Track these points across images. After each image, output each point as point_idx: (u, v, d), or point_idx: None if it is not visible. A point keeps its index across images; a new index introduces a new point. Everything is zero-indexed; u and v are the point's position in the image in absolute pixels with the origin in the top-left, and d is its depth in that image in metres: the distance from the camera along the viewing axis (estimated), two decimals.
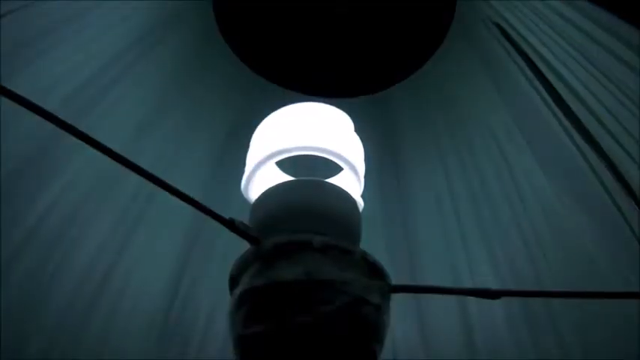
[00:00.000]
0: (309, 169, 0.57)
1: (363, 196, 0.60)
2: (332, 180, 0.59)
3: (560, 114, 0.83)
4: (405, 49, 0.89)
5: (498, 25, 0.85)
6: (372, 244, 0.54)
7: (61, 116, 0.46)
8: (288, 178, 0.59)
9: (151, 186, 0.48)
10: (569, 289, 0.84)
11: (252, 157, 0.58)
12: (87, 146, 0.47)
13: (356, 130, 0.62)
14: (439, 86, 0.91)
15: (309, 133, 0.57)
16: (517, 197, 0.88)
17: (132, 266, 0.88)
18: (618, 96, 0.79)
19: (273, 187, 0.55)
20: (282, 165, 0.60)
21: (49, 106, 0.46)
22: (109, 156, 0.47)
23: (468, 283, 0.90)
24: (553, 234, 0.87)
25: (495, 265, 0.89)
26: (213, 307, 0.89)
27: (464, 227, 0.91)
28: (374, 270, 0.50)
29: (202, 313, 0.91)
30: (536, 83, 0.83)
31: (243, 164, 0.59)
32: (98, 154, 0.47)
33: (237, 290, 0.49)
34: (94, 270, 0.86)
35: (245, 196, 0.58)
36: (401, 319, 0.88)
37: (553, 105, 0.83)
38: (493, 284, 0.88)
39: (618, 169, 0.81)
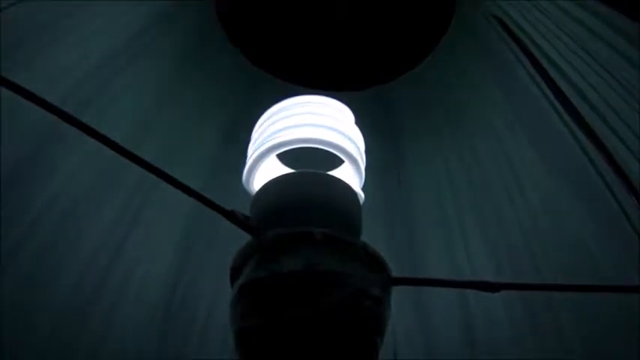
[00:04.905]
0: (310, 162, 0.57)
1: (363, 188, 0.60)
2: (333, 172, 0.59)
3: (560, 108, 0.83)
4: (405, 44, 0.89)
5: (499, 19, 0.85)
6: (373, 236, 0.54)
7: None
8: (289, 170, 0.59)
9: (152, 178, 0.48)
10: (568, 283, 0.84)
11: (253, 150, 0.58)
12: (88, 140, 0.47)
13: (357, 123, 0.62)
14: (440, 80, 0.91)
15: (310, 125, 0.57)
16: (517, 191, 0.88)
17: (134, 258, 0.88)
18: (619, 90, 0.79)
19: (274, 179, 0.55)
20: (283, 157, 0.60)
21: (49, 100, 0.46)
22: (112, 148, 0.47)
23: (467, 277, 0.90)
24: (553, 228, 0.87)
25: (495, 258, 0.89)
26: (214, 300, 0.90)
27: (464, 221, 0.91)
28: (375, 262, 0.50)
29: (203, 305, 0.91)
30: (537, 77, 0.83)
31: (245, 157, 0.59)
32: (99, 147, 0.47)
33: (238, 282, 0.49)
34: (97, 260, 0.87)
35: (246, 188, 0.58)
36: (401, 312, 0.88)
37: (554, 99, 0.83)
38: (493, 278, 0.88)
39: (618, 164, 0.81)
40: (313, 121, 0.58)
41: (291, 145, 0.56)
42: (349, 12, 0.86)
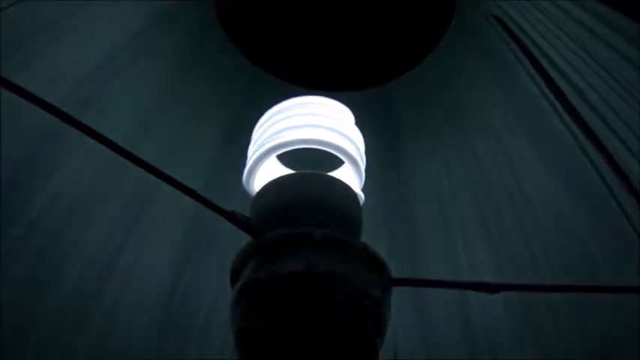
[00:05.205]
0: (310, 163, 0.57)
1: (363, 189, 0.60)
2: (333, 173, 0.59)
3: (560, 108, 0.83)
4: (405, 44, 0.89)
5: (499, 19, 0.85)
6: (373, 237, 0.54)
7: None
8: (289, 171, 0.59)
9: (153, 178, 0.48)
10: (568, 284, 0.84)
11: (253, 151, 0.58)
12: (88, 139, 0.47)
13: (357, 124, 0.62)
14: (440, 80, 0.91)
15: (310, 126, 0.57)
16: (517, 191, 0.88)
17: (134, 258, 0.88)
18: (619, 90, 0.79)
19: (274, 180, 0.55)
20: (284, 158, 0.60)
21: (49, 100, 0.46)
22: (112, 149, 0.47)
23: (468, 278, 0.90)
24: (553, 228, 0.87)
25: (495, 258, 0.89)
26: (215, 299, 0.90)
27: (464, 221, 0.91)
28: (375, 263, 0.50)
29: (203, 305, 0.91)
30: (537, 77, 0.83)
31: (245, 157, 0.59)
32: (100, 147, 0.47)
33: (238, 283, 0.49)
34: (98, 260, 0.87)
35: (246, 189, 0.58)
36: (401, 312, 0.88)
37: (554, 99, 0.83)
38: (493, 278, 0.88)
39: (618, 164, 0.81)
40: (313, 121, 0.58)
41: (292, 146, 0.56)
42: (349, 12, 0.86)
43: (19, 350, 0.83)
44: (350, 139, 0.58)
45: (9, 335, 0.82)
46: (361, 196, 0.59)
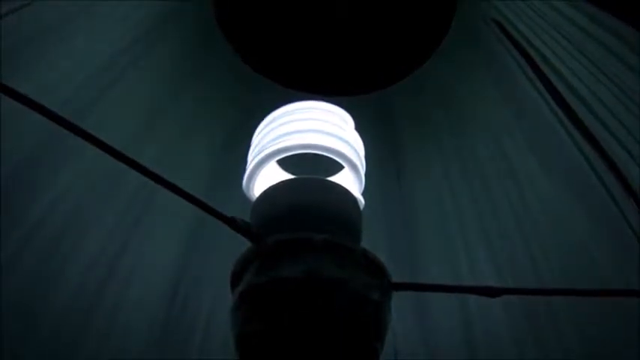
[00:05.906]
0: (310, 168, 0.57)
1: (363, 193, 0.60)
2: (333, 178, 0.59)
3: (561, 113, 0.83)
4: (405, 49, 0.89)
5: (499, 24, 0.85)
6: (373, 242, 0.55)
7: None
8: (289, 176, 0.59)
9: (152, 184, 0.49)
10: (568, 287, 0.84)
11: (253, 156, 0.59)
12: (88, 144, 0.47)
13: (357, 128, 0.62)
14: (440, 85, 0.91)
15: (310, 131, 0.58)
16: (517, 196, 0.88)
17: (135, 260, 0.88)
18: (619, 95, 0.79)
19: (274, 185, 0.55)
20: (283, 163, 0.60)
21: (48, 106, 0.46)
22: (112, 155, 0.47)
23: (468, 282, 0.90)
24: (553, 233, 0.87)
25: (496, 263, 0.89)
26: (215, 302, 0.90)
27: (465, 226, 0.91)
28: (374, 268, 0.51)
29: (204, 307, 0.91)
30: (537, 83, 0.83)
31: (245, 163, 0.59)
32: (99, 153, 0.47)
33: (238, 288, 0.50)
34: (99, 263, 0.87)
35: (246, 194, 0.58)
36: (401, 317, 0.88)
37: (554, 104, 0.83)
38: (494, 281, 0.88)
39: (619, 169, 0.81)
40: (313, 126, 0.58)
41: (291, 151, 0.56)
42: (349, 15, 0.86)
43: (19, 352, 0.84)
44: (350, 144, 0.59)
45: (9, 336, 0.82)
46: (361, 200, 0.59)
